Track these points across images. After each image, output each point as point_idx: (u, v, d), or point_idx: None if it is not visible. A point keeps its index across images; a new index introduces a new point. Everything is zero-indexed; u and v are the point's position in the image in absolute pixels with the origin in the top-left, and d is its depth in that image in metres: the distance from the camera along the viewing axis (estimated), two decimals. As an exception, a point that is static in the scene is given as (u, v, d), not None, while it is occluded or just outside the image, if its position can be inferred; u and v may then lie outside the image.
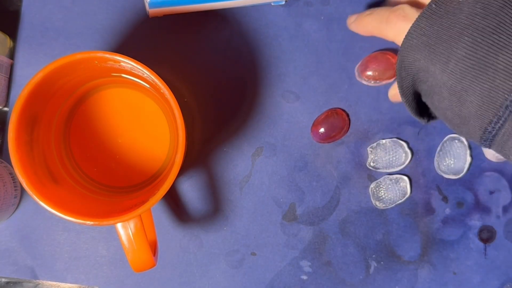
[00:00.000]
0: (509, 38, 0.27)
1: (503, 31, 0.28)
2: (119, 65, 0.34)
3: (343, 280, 0.41)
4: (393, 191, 0.40)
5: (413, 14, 0.33)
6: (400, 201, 0.41)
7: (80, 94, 0.38)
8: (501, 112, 0.27)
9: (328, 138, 0.40)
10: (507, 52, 0.27)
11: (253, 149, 0.41)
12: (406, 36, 0.31)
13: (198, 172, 0.41)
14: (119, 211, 0.33)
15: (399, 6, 0.34)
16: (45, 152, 0.36)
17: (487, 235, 0.41)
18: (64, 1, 0.40)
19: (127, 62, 0.32)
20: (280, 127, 0.41)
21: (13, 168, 0.34)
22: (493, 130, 0.28)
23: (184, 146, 0.33)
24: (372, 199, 0.41)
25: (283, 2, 0.41)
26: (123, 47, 0.40)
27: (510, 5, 0.28)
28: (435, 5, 0.31)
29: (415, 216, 0.41)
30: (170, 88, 0.32)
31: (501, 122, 0.28)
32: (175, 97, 0.32)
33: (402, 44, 0.32)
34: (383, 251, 0.41)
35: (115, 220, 0.32)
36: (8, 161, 0.40)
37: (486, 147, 0.30)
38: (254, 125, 0.41)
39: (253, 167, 0.41)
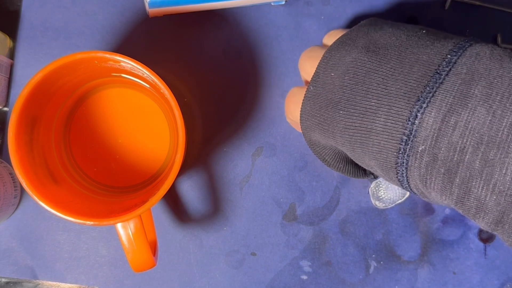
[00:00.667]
0: (379, 101, 0.28)
1: (372, 96, 0.28)
2: (119, 65, 0.34)
3: (343, 280, 0.41)
4: (392, 191, 0.40)
5: (318, 55, 0.33)
6: (400, 201, 0.41)
7: (80, 94, 0.38)
8: (398, 169, 0.28)
9: None
10: (380, 115, 0.28)
11: (253, 149, 0.41)
12: (300, 119, 0.33)
13: (198, 172, 0.41)
14: (119, 211, 0.33)
15: (311, 47, 0.35)
16: (45, 152, 0.36)
17: (487, 235, 0.41)
18: (64, 1, 0.40)
19: (127, 62, 0.32)
20: (280, 127, 0.41)
21: (13, 168, 0.34)
22: (403, 179, 0.29)
23: (184, 146, 0.33)
24: (371, 199, 0.41)
25: (283, 2, 0.41)
26: (123, 47, 0.40)
27: (374, 70, 0.29)
28: (313, 86, 0.32)
29: (415, 216, 0.41)
30: (170, 88, 0.32)
31: (399, 176, 0.28)
32: (175, 97, 0.32)
33: (301, 126, 0.33)
34: (383, 251, 0.41)
35: (115, 220, 0.32)
36: (8, 161, 0.40)
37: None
38: (254, 125, 0.41)
39: (253, 167, 0.41)
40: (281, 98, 0.41)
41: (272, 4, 0.41)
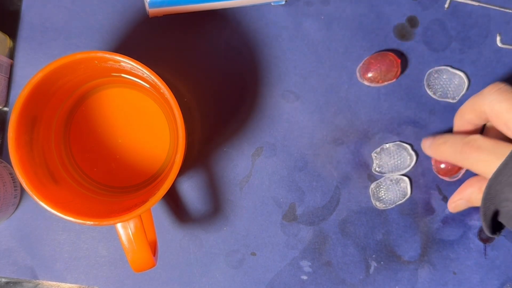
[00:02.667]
0: None
1: None
2: (119, 65, 0.34)
3: (343, 280, 0.41)
4: (393, 191, 0.40)
5: (485, 145, 0.34)
6: (400, 202, 0.41)
7: (80, 94, 0.38)
8: None
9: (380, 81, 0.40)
10: None
11: (253, 149, 0.41)
12: (495, 173, 0.33)
13: (198, 172, 0.41)
14: (119, 211, 0.33)
15: (471, 137, 0.36)
16: (45, 152, 0.36)
17: (487, 235, 0.41)
18: (64, 1, 0.40)
19: (127, 62, 0.32)
20: (280, 127, 0.41)
21: (13, 168, 0.34)
22: None
23: (184, 146, 0.33)
24: (372, 199, 0.41)
25: (283, 2, 0.41)
26: (123, 47, 0.40)
27: None
28: None
29: (415, 216, 0.41)
30: (170, 88, 0.32)
31: None
32: (175, 97, 0.32)
33: (490, 180, 0.33)
34: (383, 251, 0.41)
35: (115, 220, 0.32)
36: (8, 161, 0.40)
37: None
38: (254, 125, 0.41)
39: (253, 167, 0.41)
40: (281, 98, 0.41)
41: (272, 4, 0.41)
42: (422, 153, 0.41)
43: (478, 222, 0.41)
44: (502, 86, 0.35)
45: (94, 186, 0.39)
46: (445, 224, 0.41)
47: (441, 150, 0.38)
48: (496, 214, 0.35)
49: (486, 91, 0.36)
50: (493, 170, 0.34)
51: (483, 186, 0.37)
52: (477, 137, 0.35)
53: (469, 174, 0.41)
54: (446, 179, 0.41)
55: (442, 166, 0.40)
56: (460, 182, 0.41)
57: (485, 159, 0.34)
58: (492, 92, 0.35)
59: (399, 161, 0.40)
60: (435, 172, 0.41)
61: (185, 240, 0.41)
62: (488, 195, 0.34)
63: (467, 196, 0.39)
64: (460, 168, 0.40)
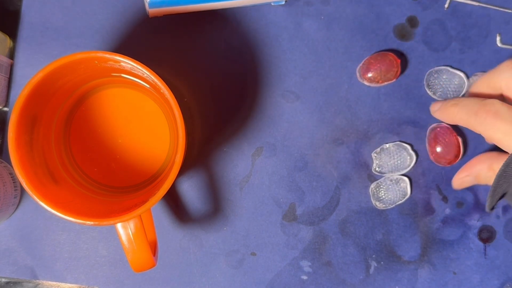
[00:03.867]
0: None
1: None
2: (119, 65, 0.34)
3: (343, 280, 0.41)
4: (393, 191, 0.40)
5: (503, 111, 0.32)
6: (400, 202, 0.41)
7: (80, 94, 0.38)
8: None
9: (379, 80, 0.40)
10: None
11: (253, 149, 0.41)
12: None
13: (198, 172, 0.41)
14: (119, 211, 0.33)
15: (489, 100, 0.33)
16: (45, 152, 0.36)
17: (487, 235, 0.41)
18: (64, 1, 0.40)
19: (127, 62, 0.32)
20: (280, 127, 0.41)
21: (13, 168, 0.34)
22: None
23: (184, 146, 0.33)
24: (372, 200, 0.41)
25: (283, 2, 0.41)
26: (123, 47, 0.40)
27: None
28: None
29: (415, 216, 0.41)
30: (170, 88, 0.32)
31: None
32: (175, 97, 0.32)
33: (510, 157, 0.31)
34: (383, 251, 0.41)
35: (115, 220, 0.32)
36: (8, 161, 0.40)
37: None
38: (254, 125, 0.41)
39: (253, 167, 0.41)
40: (281, 98, 0.41)
41: (272, 4, 0.41)
42: (422, 153, 0.41)
43: (478, 222, 0.41)
44: (498, 108, 0.33)
45: (94, 186, 0.39)
46: (445, 224, 0.41)
47: (453, 112, 0.36)
48: (505, 193, 0.33)
49: (503, 67, 0.34)
50: (509, 142, 0.31)
51: (493, 163, 0.35)
52: (495, 101, 0.33)
53: (468, 159, 0.41)
54: (441, 165, 0.40)
55: (438, 149, 0.39)
56: (455, 170, 0.41)
57: (502, 128, 0.32)
58: (509, 68, 0.34)
59: (399, 161, 0.40)
60: (430, 158, 0.40)
61: (185, 240, 0.41)
62: (505, 173, 0.32)
63: (476, 173, 0.37)
64: (458, 155, 0.40)
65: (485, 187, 0.41)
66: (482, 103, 0.33)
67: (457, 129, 0.41)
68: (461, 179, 0.39)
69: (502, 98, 0.35)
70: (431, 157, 0.40)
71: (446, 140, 0.39)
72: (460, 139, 0.40)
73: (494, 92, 0.35)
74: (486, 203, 0.35)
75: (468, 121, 0.34)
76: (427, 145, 0.41)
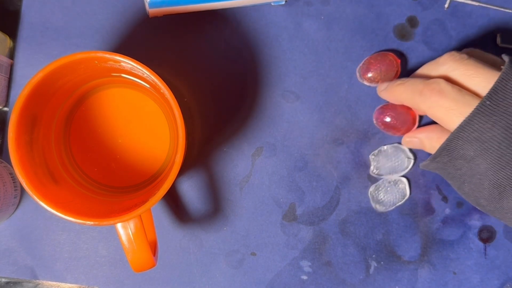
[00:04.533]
0: None
1: None
2: (119, 65, 0.34)
3: (343, 280, 0.41)
4: (392, 193, 0.40)
5: (448, 89, 0.33)
6: (399, 203, 0.41)
7: (80, 94, 0.38)
8: None
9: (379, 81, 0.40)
10: None
11: (253, 149, 0.41)
12: (458, 128, 0.32)
13: (198, 172, 0.41)
14: (119, 211, 0.33)
15: (434, 80, 0.34)
16: (45, 152, 0.36)
17: (487, 235, 0.41)
18: (64, 1, 0.40)
19: (127, 62, 0.32)
20: (280, 127, 0.41)
21: (13, 168, 0.34)
22: None
23: (184, 146, 0.33)
24: (372, 203, 0.41)
25: (283, 2, 0.41)
26: (123, 47, 0.40)
27: None
28: (489, 101, 0.31)
29: (415, 216, 0.41)
30: (170, 88, 0.32)
31: None
32: (175, 97, 0.32)
33: (453, 133, 0.33)
34: (383, 251, 0.41)
35: (115, 220, 0.32)
36: (8, 161, 0.40)
37: None
38: (254, 125, 0.41)
39: (253, 167, 0.41)
40: (281, 98, 0.41)
41: (272, 4, 0.41)
42: (420, 155, 0.41)
43: (478, 222, 0.41)
44: (457, 54, 0.35)
45: (94, 186, 0.39)
46: (445, 224, 0.41)
47: (399, 91, 0.37)
48: (442, 167, 0.35)
49: (442, 60, 0.35)
50: (451, 118, 0.33)
51: (433, 140, 0.37)
52: (441, 80, 0.34)
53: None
54: (389, 133, 0.40)
55: (388, 119, 0.39)
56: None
57: (445, 105, 0.33)
58: (448, 61, 0.35)
59: (396, 163, 0.40)
60: (376, 125, 0.40)
61: (185, 240, 0.41)
62: (447, 146, 0.33)
63: (423, 138, 0.38)
64: (410, 126, 0.40)
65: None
66: (427, 82, 0.34)
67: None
68: (410, 138, 0.39)
69: None
70: (378, 123, 0.40)
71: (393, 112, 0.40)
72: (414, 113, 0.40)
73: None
74: (422, 162, 0.36)
75: (413, 99, 0.35)
76: (375, 113, 0.41)
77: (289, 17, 0.41)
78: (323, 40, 0.41)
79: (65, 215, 0.32)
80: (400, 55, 0.41)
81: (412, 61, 0.41)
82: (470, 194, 0.35)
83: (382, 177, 0.41)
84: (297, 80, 0.41)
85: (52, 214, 0.32)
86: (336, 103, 0.41)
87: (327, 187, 0.41)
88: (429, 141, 0.38)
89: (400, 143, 0.41)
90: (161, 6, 0.38)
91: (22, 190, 0.40)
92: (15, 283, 0.40)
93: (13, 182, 0.39)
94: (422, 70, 0.37)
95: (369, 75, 0.40)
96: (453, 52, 0.35)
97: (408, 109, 0.40)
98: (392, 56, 0.40)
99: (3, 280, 0.40)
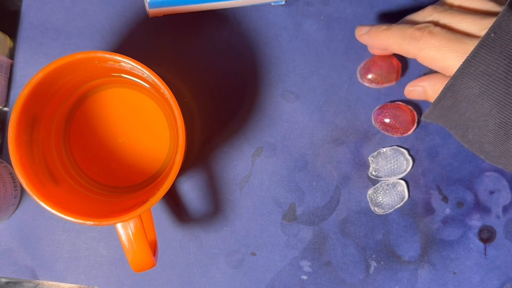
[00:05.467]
0: None
1: None
2: (119, 65, 0.34)
3: (343, 280, 0.41)
4: (391, 196, 0.40)
5: (438, 30, 0.33)
6: (398, 206, 0.41)
7: (80, 94, 0.38)
8: None
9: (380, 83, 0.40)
10: None
11: (253, 149, 0.41)
12: (464, 63, 0.31)
13: (198, 172, 0.41)
14: (119, 211, 0.33)
15: (424, 24, 0.34)
16: (45, 152, 0.36)
17: (487, 235, 0.41)
18: (64, 1, 0.40)
19: (127, 62, 0.32)
20: (280, 127, 0.41)
21: (13, 168, 0.34)
22: None
23: (184, 146, 0.33)
24: (370, 205, 0.41)
25: (283, 2, 0.41)
26: (123, 47, 0.40)
27: None
28: (494, 34, 0.31)
29: (415, 216, 0.41)
30: (170, 88, 0.32)
31: None
32: (175, 97, 0.32)
33: (458, 70, 0.32)
34: (383, 251, 0.41)
35: (115, 220, 0.32)
36: (8, 161, 0.40)
37: None
38: (254, 125, 0.41)
39: (253, 167, 0.41)
40: (281, 98, 0.41)
41: (272, 4, 0.41)
42: (419, 157, 0.41)
43: (478, 222, 0.41)
44: (439, 6, 0.34)
45: (94, 186, 0.39)
46: (445, 224, 0.41)
47: (385, 35, 0.36)
48: (444, 115, 0.34)
49: (425, 13, 0.35)
50: (444, 55, 0.32)
51: (435, 85, 0.36)
52: (431, 24, 0.34)
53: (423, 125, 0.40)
54: (388, 134, 0.40)
55: (387, 120, 0.39)
56: (461, 181, 0.41)
57: (437, 44, 0.32)
58: (432, 13, 0.34)
59: (395, 166, 0.40)
60: (375, 125, 0.40)
61: (185, 240, 0.41)
62: (452, 85, 0.32)
63: (426, 86, 0.37)
64: (409, 127, 0.39)
65: (484, 187, 0.41)
66: (417, 26, 0.34)
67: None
68: (413, 87, 0.38)
69: None
70: (376, 124, 0.40)
71: (393, 112, 0.40)
72: (409, 107, 0.40)
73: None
74: (423, 112, 0.35)
75: (401, 44, 0.35)
76: (373, 115, 0.41)
77: (289, 17, 0.41)
78: (323, 40, 0.41)
79: (65, 215, 0.32)
80: (401, 58, 0.41)
81: (412, 61, 0.41)
82: (474, 141, 0.34)
83: (381, 179, 0.41)
84: (297, 80, 0.41)
85: (52, 214, 0.32)
86: (336, 103, 0.41)
87: (327, 187, 0.41)
88: (432, 87, 0.37)
89: (398, 146, 0.41)
90: (161, 6, 0.38)
91: (22, 190, 0.40)
92: (15, 283, 0.40)
93: (13, 182, 0.39)
94: (406, 20, 0.37)
95: (370, 76, 0.40)
96: (435, 5, 0.35)
97: (407, 108, 0.40)
98: (393, 59, 0.40)
99: (3, 280, 0.40)
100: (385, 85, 0.40)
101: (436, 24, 0.34)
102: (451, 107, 0.33)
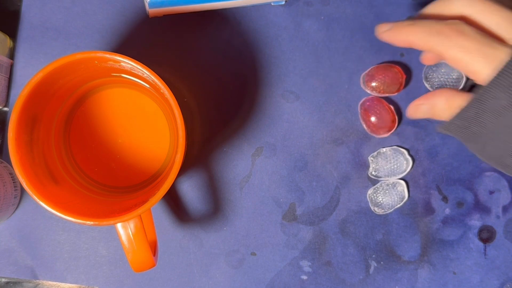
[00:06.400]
0: None
1: None
2: (119, 65, 0.34)
3: (343, 280, 0.41)
4: (391, 196, 0.40)
5: (468, 30, 0.31)
6: (398, 206, 0.41)
7: (80, 94, 0.38)
8: None
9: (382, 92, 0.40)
10: None
11: (253, 149, 0.41)
12: (497, 74, 0.30)
13: (198, 172, 0.41)
14: (119, 211, 0.33)
15: (453, 21, 0.32)
16: (45, 152, 0.36)
17: (487, 235, 0.41)
18: (64, 1, 0.40)
19: (127, 62, 0.32)
20: (280, 127, 0.41)
21: (13, 168, 0.34)
22: None
23: (184, 146, 0.33)
24: (370, 205, 0.41)
25: (283, 2, 0.41)
26: (123, 47, 0.40)
27: None
28: None
29: (415, 216, 0.41)
30: (170, 88, 0.32)
31: None
32: (175, 97, 0.32)
33: (491, 82, 0.30)
34: (383, 251, 0.41)
35: (115, 220, 0.32)
36: (8, 161, 0.40)
37: None
38: (254, 125, 0.41)
39: (253, 167, 0.41)
40: (281, 98, 0.41)
41: (272, 4, 0.41)
42: (419, 157, 0.41)
43: (478, 222, 0.41)
44: (464, 28, 0.32)
45: (94, 186, 0.39)
46: (445, 224, 0.41)
47: (410, 31, 0.33)
48: (467, 126, 0.33)
49: (446, 32, 0.32)
50: (473, 58, 0.31)
51: (452, 98, 0.34)
52: (459, 21, 0.31)
53: (403, 127, 0.41)
54: (380, 135, 0.40)
55: (373, 119, 0.39)
56: (461, 181, 0.41)
57: (466, 45, 0.31)
58: (454, 36, 0.32)
59: (395, 166, 0.40)
60: (364, 127, 0.40)
61: (185, 240, 0.41)
62: (482, 96, 0.31)
63: (433, 103, 0.35)
64: (392, 125, 0.39)
65: (484, 187, 0.41)
66: (446, 22, 0.32)
67: (387, 99, 0.41)
68: (417, 106, 0.37)
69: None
70: (369, 131, 0.40)
71: (377, 111, 0.39)
72: (391, 107, 0.40)
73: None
74: (443, 123, 0.34)
75: (428, 40, 0.32)
76: (361, 121, 0.41)
77: (289, 17, 0.41)
78: (323, 40, 0.41)
79: (65, 215, 0.32)
80: (406, 71, 0.41)
81: (412, 61, 0.41)
82: (494, 154, 0.32)
83: (380, 179, 0.41)
84: (297, 80, 0.41)
85: (52, 214, 0.32)
86: (336, 103, 0.41)
87: (327, 187, 0.41)
88: (440, 105, 0.35)
89: (398, 146, 0.41)
90: (161, 6, 0.38)
91: (22, 190, 0.40)
92: (15, 283, 0.40)
93: (13, 182, 0.39)
94: (431, 9, 0.35)
95: (373, 84, 0.40)
96: None
97: (389, 108, 0.40)
98: (398, 69, 0.40)
99: (3, 280, 0.40)
100: (386, 94, 0.40)
101: (464, 18, 0.33)
102: (473, 118, 0.32)
